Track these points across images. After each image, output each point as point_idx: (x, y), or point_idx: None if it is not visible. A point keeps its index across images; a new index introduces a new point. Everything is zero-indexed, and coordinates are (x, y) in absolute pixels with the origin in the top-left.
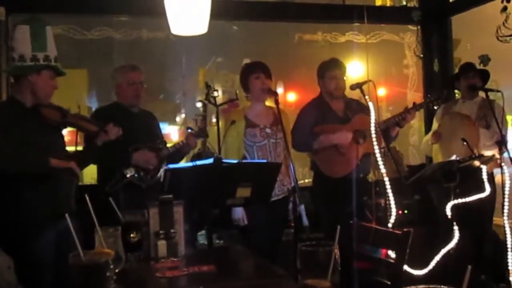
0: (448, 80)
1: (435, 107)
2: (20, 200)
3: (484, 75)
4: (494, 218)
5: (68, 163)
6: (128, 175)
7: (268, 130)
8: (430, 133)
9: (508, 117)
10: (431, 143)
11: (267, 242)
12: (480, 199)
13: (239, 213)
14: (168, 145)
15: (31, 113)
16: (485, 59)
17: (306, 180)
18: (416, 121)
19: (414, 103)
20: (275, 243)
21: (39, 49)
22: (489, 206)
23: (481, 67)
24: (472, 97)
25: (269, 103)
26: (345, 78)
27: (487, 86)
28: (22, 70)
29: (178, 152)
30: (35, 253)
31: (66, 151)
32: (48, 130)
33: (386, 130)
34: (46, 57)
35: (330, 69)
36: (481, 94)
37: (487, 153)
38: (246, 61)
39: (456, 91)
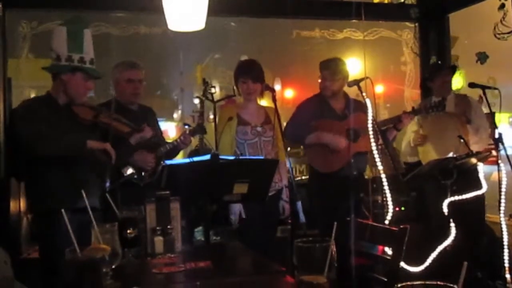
0: (421, 82)
1: (434, 113)
2: (43, 188)
3: (453, 71)
4: (490, 216)
5: (103, 144)
6: (126, 174)
7: (258, 129)
8: (410, 135)
9: (506, 114)
10: (414, 144)
11: (259, 238)
12: (476, 196)
13: (236, 210)
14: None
15: (64, 110)
16: (482, 57)
17: (303, 177)
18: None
19: (413, 108)
20: (268, 239)
21: (75, 50)
22: (480, 203)
23: (479, 64)
24: (445, 94)
25: (266, 101)
26: (338, 78)
27: (485, 84)
28: (57, 69)
29: (175, 149)
30: (57, 241)
31: None
32: (79, 128)
33: (384, 132)
34: (81, 59)
35: (321, 69)
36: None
37: (475, 148)
38: (244, 58)
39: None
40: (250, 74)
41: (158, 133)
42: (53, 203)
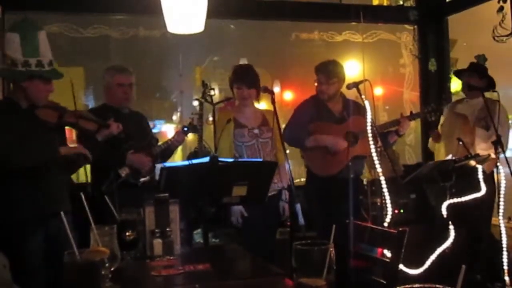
0: (456, 75)
1: (432, 118)
2: (7, 199)
3: (485, 76)
4: None
5: (76, 148)
6: (123, 175)
7: (255, 131)
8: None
9: None
10: (434, 141)
11: (259, 240)
12: (477, 199)
13: (237, 212)
14: (160, 142)
15: (27, 114)
16: (481, 59)
17: (302, 179)
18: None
19: (411, 112)
20: (268, 241)
21: (31, 54)
22: (486, 206)
23: None
24: (473, 96)
25: (265, 103)
26: (333, 81)
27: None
28: (14, 76)
29: (168, 148)
30: (23, 257)
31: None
32: (45, 130)
33: (385, 136)
34: (38, 62)
35: (317, 72)
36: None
37: (482, 153)
38: (243, 60)
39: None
40: (245, 80)
41: (150, 135)
42: (19, 214)
